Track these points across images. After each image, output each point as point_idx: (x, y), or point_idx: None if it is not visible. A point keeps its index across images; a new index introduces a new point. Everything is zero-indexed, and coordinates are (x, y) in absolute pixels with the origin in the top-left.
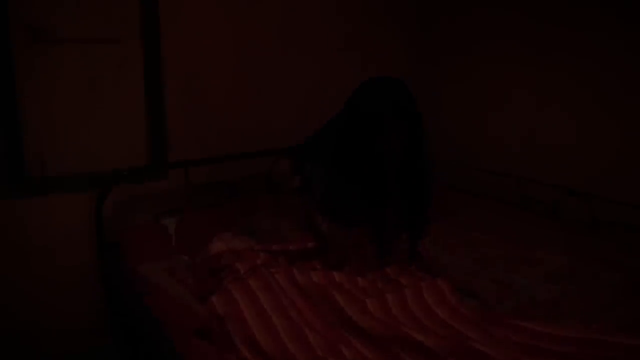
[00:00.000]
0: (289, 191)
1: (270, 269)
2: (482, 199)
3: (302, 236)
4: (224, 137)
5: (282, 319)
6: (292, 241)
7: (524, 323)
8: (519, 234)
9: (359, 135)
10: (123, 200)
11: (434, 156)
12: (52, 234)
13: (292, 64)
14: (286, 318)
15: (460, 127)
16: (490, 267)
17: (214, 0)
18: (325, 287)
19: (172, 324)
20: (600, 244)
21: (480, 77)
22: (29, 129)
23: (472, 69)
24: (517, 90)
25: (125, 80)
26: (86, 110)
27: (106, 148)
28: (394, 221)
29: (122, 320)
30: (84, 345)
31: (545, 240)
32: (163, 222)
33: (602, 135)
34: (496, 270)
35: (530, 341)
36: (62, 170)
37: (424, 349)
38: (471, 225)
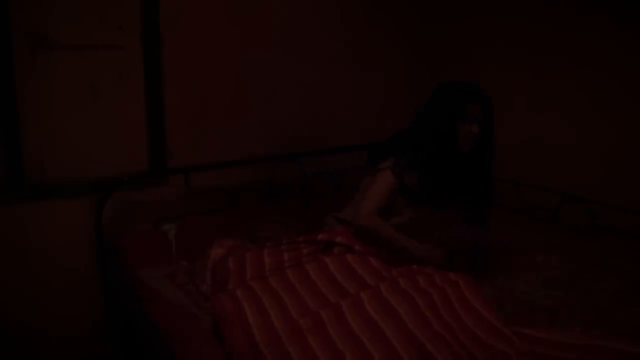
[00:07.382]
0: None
1: (273, 272)
2: None
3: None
4: (224, 142)
5: (284, 323)
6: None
7: (523, 329)
8: (518, 239)
9: (440, 120)
10: (123, 206)
11: None
12: (52, 240)
13: (294, 70)
14: (288, 322)
15: None
16: (490, 272)
17: (216, 6)
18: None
19: (172, 330)
20: (600, 250)
21: (480, 83)
22: (29, 135)
23: (472, 76)
24: (517, 97)
25: (126, 85)
26: (86, 116)
27: (106, 154)
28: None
29: (122, 326)
30: (83, 351)
31: (545, 246)
32: (163, 228)
33: (602, 141)
34: (495, 276)
35: (530, 347)
36: (62, 176)
37: (426, 352)
38: None
